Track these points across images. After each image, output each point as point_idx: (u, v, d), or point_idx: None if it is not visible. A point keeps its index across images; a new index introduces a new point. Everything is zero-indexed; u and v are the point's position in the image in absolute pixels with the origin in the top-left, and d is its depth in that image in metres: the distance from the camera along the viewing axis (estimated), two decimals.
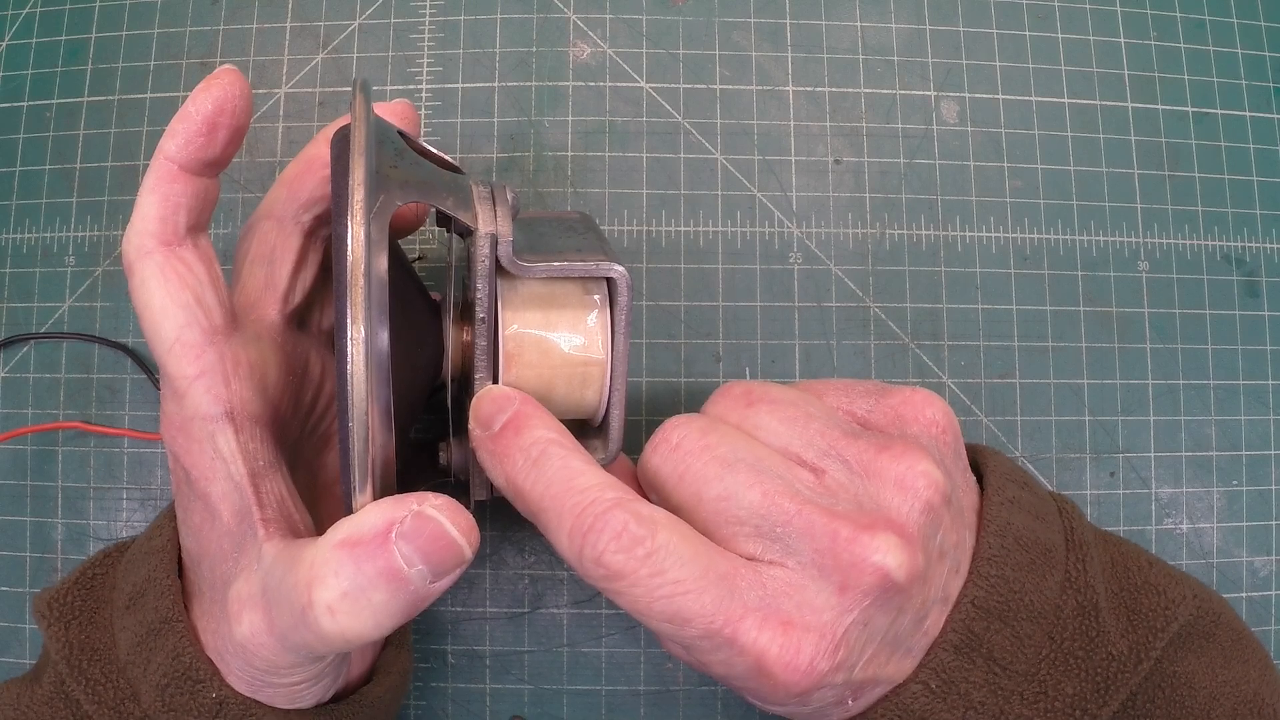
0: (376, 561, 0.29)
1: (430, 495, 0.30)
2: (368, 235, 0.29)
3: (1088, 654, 0.33)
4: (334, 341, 0.31)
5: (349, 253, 0.29)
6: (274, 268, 0.38)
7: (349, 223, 0.29)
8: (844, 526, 0.30)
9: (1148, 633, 0.34)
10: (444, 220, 0.34)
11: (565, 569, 0.46)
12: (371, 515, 0.30)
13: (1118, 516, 0.47)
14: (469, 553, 0.30)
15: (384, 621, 0.30)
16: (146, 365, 0.47)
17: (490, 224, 0.33)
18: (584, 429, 0.38)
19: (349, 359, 0.29)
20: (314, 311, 0.40)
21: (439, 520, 0.29)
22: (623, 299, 0.34)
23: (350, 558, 0.29)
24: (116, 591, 0.36)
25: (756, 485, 0.31)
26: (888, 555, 0.30)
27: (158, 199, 0.32)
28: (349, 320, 0.29)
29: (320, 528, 0.31)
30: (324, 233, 0.39)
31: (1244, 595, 0.47)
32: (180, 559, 0.36)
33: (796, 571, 0.31)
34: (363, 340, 0.29)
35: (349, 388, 0.29)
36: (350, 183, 0.30)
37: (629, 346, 0.35)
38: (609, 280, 0.35)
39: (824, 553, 0.30)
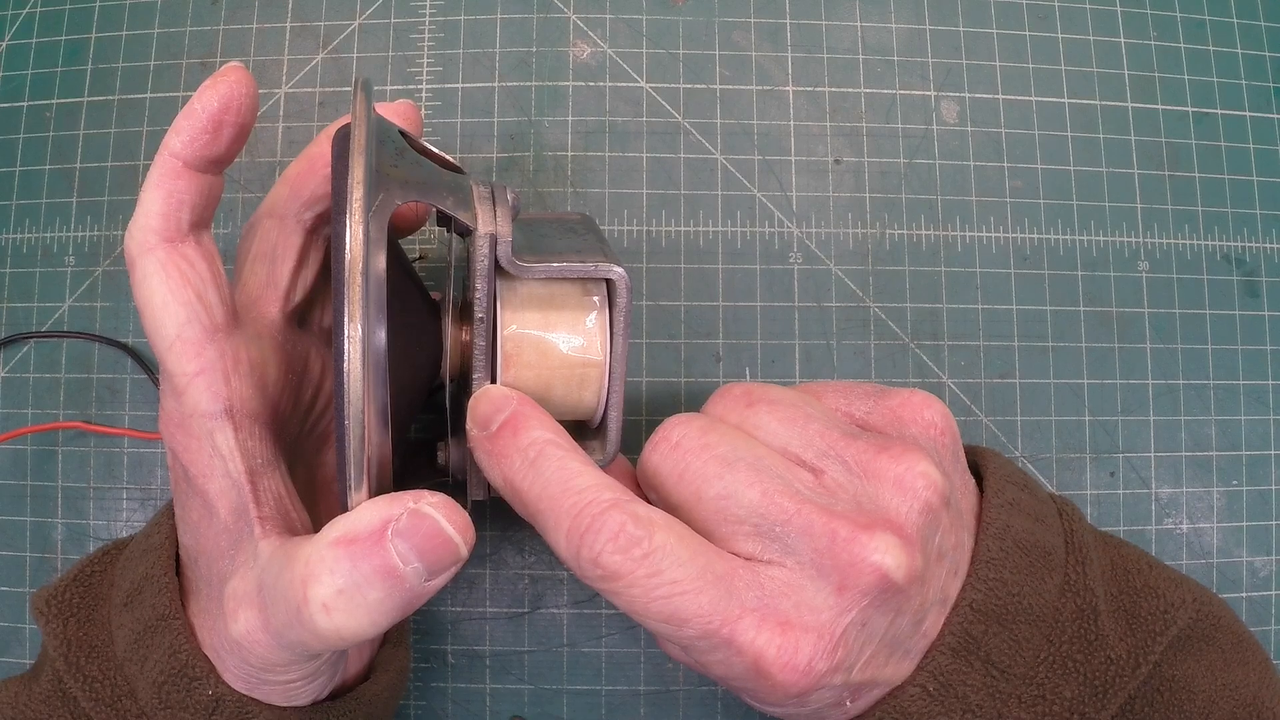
0: (372, 559, 0.29)
1: (426, 493, 0.30)
2: (366, 234, 0.29)
3: (1086, 657, 0.33)
4: (332, 340, 0.31)
5: (347, 251, 0.29)
6: (275, 266, 0.38)
7: (348, 221, 0.29)
8: (843, 526, 0.30)
9: (1146, 636, 0.34)
10: (444, 220, 0.34)
11: (565, 569, 0.46)
12: (367, 513, 0.30)
13: (1118, 516, 0.47)
14: (465, 551, 0.30)
15: (379, 619, 0.29)
16: (147, 365, 0.47)
17: (490, 224, 0.33)
18: (582, 430, 0.38)
19: (346, 357, 0.29)
20: (315, 310, 0.40)
21: (435, 518, 0.29)
22: (622, 300, 0.34)
23: (346, 555, 0.29)
24: (114, 589, 0.36)
25: (756, 484, 0.31)
26: (886, 555, 0.30)
27: (161, 195, 0.32)
28: (346, 318, 0.29)
29: (318, 526, 0.31)
30: (326, 231, 0.39)
31: (1244, 595, 0.47)
32: (178, 556, 0.36)
33: (795, 571, 0.31)
34: (360, 339, 0.29)
35: (345, 385, 0.29)
36: (349, 181, 0.30)
37: (628, 348, 0.35)
38: (608, 282, 0.35)
39: (822, 552, 0.30)
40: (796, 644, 0.30)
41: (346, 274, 0.29)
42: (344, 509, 0.30)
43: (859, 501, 0.32)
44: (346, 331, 0.29)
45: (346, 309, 0.29)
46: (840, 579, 0.30)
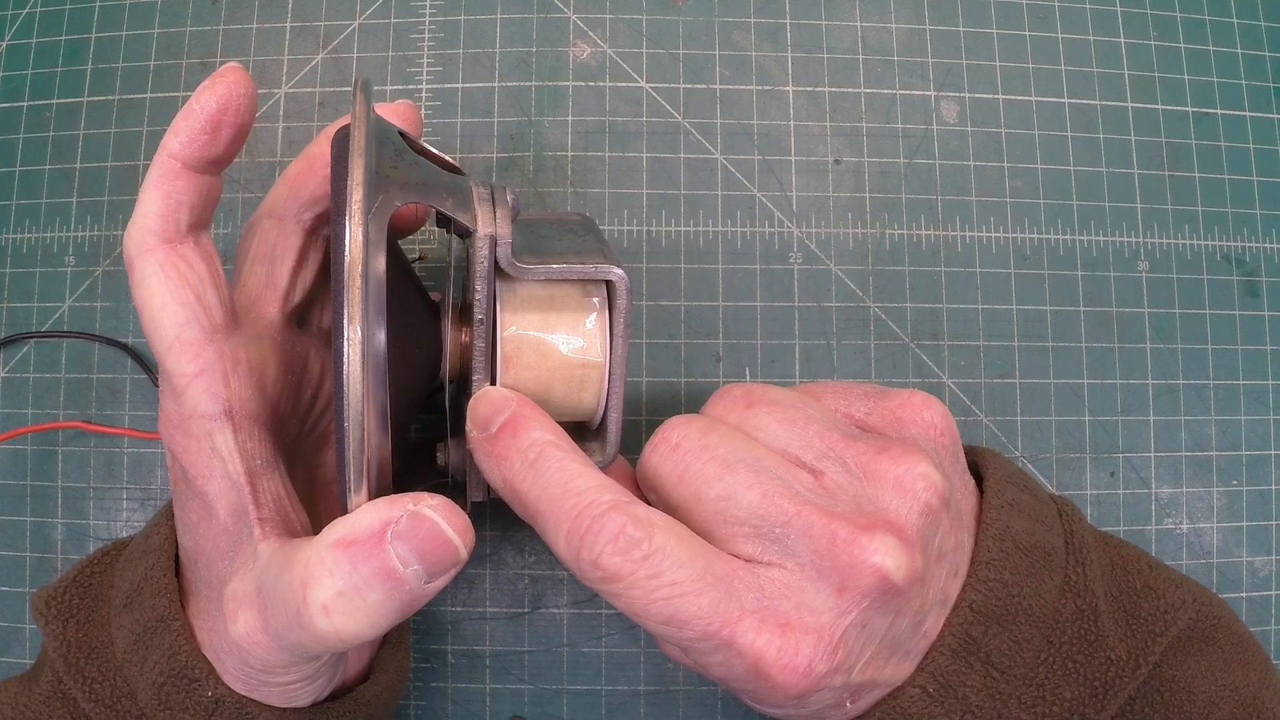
0: (372, 561, 0.29)
1: (426, 495, 0.30)
2: (366, 235, 0.29)
3: (1086, 658, 0.33)
4: (331, 341, 0.31)
5: (347, 253, 0.29)
6: (275, 266, 0.38)
7: (347, 223, 0.29)
8: (843, 528, 0.30)
9: (1147, 637, 0.34)
10: (444, 221, 0.34)
11: (565, 569, 0.46)
12: (367, 515, 0.30)
13: (1118, 516, 0.47)
14: (464, 553, 0.30)
15: (379, 621, 0.29)
16: (146, 365, 0.47)
17: (490, 225, 0.33)
18: (582, 431, 0.38)
19: (345, 359, 0.29)
20: (314, 310, 0.40)
21: (435, 520, 0.29)
22: (622, 302, 0.34)
23: (346, 557, 0.29)
24: (114, 590, 0.36)
25: (756, 486, 0.31)
26: (886, 557, 0.30)
27: (160, 196, 0.32)
28: (346, 320, 0.29)
29: (318, 526, 0.31)
30: (325, 231, 0.39)
31: (1244, 595, 0.47)
32: (177, 557, 0.36)
33: (795, 573, 0.31)
34: (359, 341, 0.29)
35: (345, 388, 0.29)
36: (349, 183, 0.29)
37: (628, 349, 0.35)
38: (608, 283, 0.35)
39: (822, 554, 0.30)
40: (797, 646, 0.30)
41: (346, 276, 0.29)
42: (343, 511, 0.30)
43: (859, 503, 0.31)
44: (346, 334, 0.29)
45: (346, 311, 0.29)
46: (840, 580, 0.30)
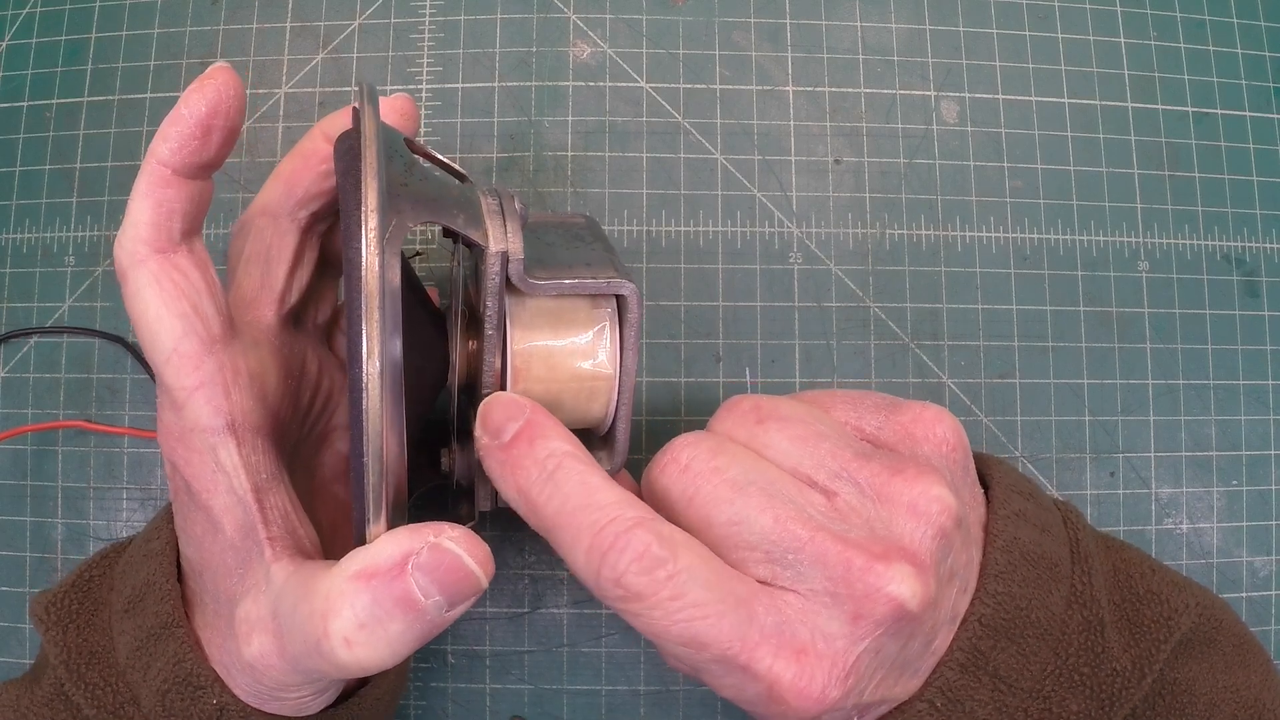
0: (393, 593, 0.28)
1: (446, 526, 0.29)
2: (382, 266, 0.28)
3: (1093, 670, 0.33)
4: (346, 365, 0.30)
5: (364, 283, 0.28)
6: (270, 267, 0.37)
7: (363, 251, 0.28)
8: (857, 556, 0.30)
9: (1151, 645, 0.34)
10: (451, 232, 0.33)
11: (565, 569, 0.46)
12: (388, 547, 0.29)
13: (1118, 516, 0.47)
14: (485, 582, 0.29)
15: (400, 651, 0.29)
16: (147, 363, 0.47)
17: (501, 241, 0.32)
18: (587, 437, 0.38)
19: (365, 394, 0.28)
20: (310, 308, 0.40)
21: (456, 553, 0.29)
22: (632, 315, 0.34)
23: (367, 589, 0.28)
24: (115, 594, 0.36)
25: (768, 510, 0.31)
26: (901, 585, 0.29)
27: (151, 205, 0.31)
28: (365, 354, 0.28)
29: (320, 528, 0.31)
30: (320, 229, 0.38)
31: (1244, 595, 0.47)
32: (179, 563, 0.36)
33: (808, 599, 0.30)
34: (378, 374, 0.28)
35: (365, 424, 0.28)
36: (364, 209, 0.29)
37: (637, 361, 0.34)
38: (618, 296, 0.34)
39: (837, 581, 0.30)
40: (811, 672, 0.30)
41: (364, 308, 0.28)
42: (359, 540, 0.30)
43: (872, 526, 0.31)
44: (366, 369, 0.28)
45: (365, 345, 0.28)
46: (855, 608, 0.30)
